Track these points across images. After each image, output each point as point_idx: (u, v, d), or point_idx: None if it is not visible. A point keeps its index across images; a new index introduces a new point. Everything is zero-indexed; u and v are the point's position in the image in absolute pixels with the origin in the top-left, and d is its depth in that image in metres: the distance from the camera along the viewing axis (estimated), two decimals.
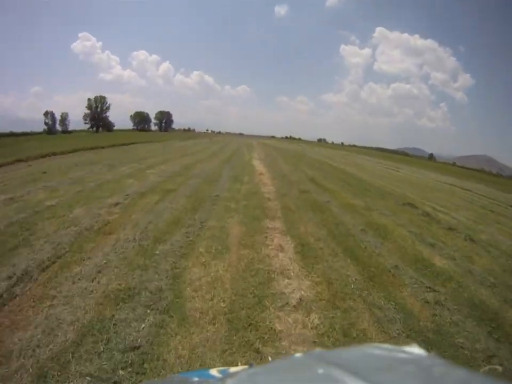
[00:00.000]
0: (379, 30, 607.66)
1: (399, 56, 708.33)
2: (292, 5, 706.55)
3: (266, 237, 4.45)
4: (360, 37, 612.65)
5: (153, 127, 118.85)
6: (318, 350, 0.37)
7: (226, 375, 0.43)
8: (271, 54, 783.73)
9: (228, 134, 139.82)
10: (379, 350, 0.34)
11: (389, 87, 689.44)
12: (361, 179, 12.74)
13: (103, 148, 21.42)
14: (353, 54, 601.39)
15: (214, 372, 0.70)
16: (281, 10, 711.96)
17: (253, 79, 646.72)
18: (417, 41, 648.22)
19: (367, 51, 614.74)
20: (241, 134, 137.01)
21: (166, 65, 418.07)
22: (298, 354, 0.36)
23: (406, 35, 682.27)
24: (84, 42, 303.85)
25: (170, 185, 7.61)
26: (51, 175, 9.06)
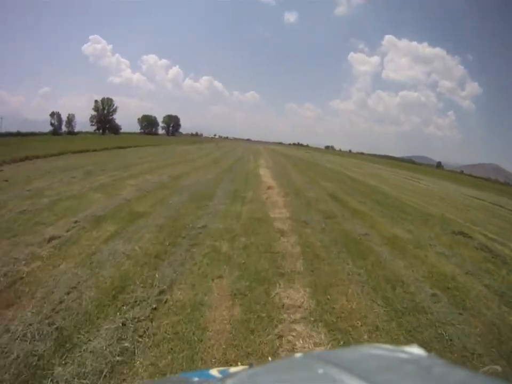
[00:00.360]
0: (388, 37, 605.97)
1: (408, 64, 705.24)
2: (301, 12, 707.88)
3: (280, 336, 2.23)
4: (368, 45, 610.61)
5: (161, 131, 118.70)
6: (318, 350, 0.42)
7: (227, 375, 0.42)
8: (279, 61, 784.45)
9: (235, 139, 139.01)
10: (379, 350, 0.33)
11: (397, 95, 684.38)
12: (388, 194, 10.49)
13: (95, 150, 19.64)
14: (361, 62, 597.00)
15: (214, 371, 0.66)
16: (290, 17, 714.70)
17: (261, 85, 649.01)
18: (425, 49, 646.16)
19: (375, 59, 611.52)
20: (248, 140, 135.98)
21: (175, 69, 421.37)
22: (298, 355, 0.36)
23: (414, 43, 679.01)
24: (95, 45, 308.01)
25: (143, 206, 5.49)
26: (11, 185, 7.38)
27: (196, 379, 0.56)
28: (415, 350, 0.33)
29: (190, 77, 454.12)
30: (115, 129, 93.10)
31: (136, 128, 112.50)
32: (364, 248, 4.40)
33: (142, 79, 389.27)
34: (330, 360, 0.31)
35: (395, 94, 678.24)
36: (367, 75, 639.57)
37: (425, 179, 25.46)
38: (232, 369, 0.66)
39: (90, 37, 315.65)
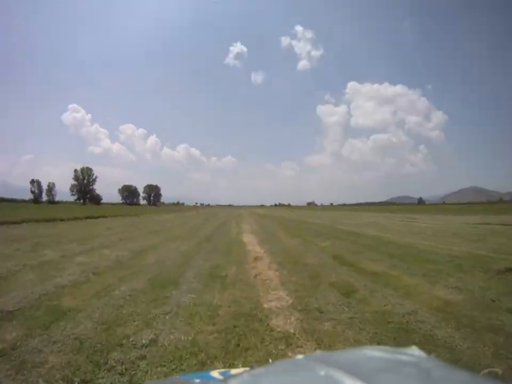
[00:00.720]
0: (351, 84, 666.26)
1: (373, 107, 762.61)
2: (267, 71, 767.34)
3: None
4: (334, 95, 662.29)
5: (142, 201, 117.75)
6: (319, 352, 0.37)
7: (228, 377, 0.41)
8: (252, 122, 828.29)
9: (217, 206, 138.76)
10: (379, 352, 0.33)
11: (369, 139, 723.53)
12: (397, 243, 8.93)
13: (62, 220, 17.73)
14: (329, 113, 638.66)
15: (215, 373, 0.65)
16: (257, 77, 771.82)
17: (237, 149, 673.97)
18: (387, 89, 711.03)
19: (342, 108, 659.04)
20: (230, 205, 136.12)
21: (153, 138, 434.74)
22: (299, 357, 0.35)
23: (376, 85, 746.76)
24: (74, 114, 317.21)
25: (76, 297, 3.73)
26: None
27: (197, 381, 0.54)
28: (415, 352, 0.33)
29: (167, 146, 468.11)
30: (96, 199, 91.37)
31: (118, 198, 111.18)
32: (424, 341, 2.71)
33: (122, 149, 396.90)
34: (331, 362, 0.30)
35: (367, 139, 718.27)
36: (337, 125, 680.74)
37: (419, 218, 24.51)
38: (234, 371, 0.64)
39: (69, 106, 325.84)
